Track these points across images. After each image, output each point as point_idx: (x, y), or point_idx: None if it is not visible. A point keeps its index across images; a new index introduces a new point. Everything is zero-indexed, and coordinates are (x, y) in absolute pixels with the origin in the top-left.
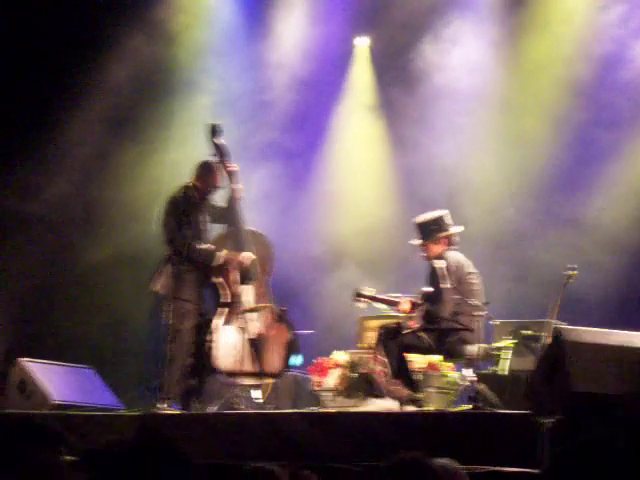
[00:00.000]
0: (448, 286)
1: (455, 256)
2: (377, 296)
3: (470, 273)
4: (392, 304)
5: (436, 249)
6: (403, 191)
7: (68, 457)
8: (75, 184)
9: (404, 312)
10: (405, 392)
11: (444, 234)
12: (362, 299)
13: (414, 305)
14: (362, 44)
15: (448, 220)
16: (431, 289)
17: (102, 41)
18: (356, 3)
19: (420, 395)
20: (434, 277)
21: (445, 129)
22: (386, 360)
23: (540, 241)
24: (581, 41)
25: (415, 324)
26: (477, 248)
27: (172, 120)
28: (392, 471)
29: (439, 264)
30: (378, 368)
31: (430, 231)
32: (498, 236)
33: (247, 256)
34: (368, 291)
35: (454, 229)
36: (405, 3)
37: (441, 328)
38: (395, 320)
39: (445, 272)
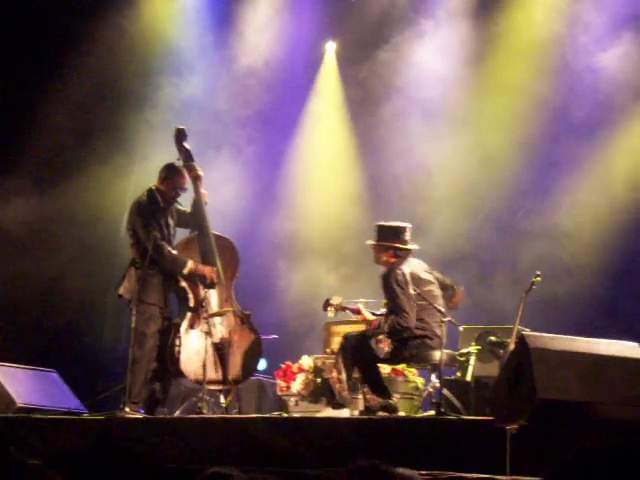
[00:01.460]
0: (411, 292)
1: (409, 264)
2: (345, 305)
3: (421, 279)
4: (356, 312)
5: (382, 256)
6: (368, 197)
7: (31, 461)
8: (37, 197)
9: (362, 320)
10: (377, 399)
11: (395, 244)
12: (330, 307)
13: (373, 323)
14: (329, 49)
15: (407, 235)
16: (389, 301)
17: (62, 53)
18: (324, 10)
19: (393, 401)
20: (388, 288)
21: (411, 137)
22: (342, 368)
23: (505, 248)
24: (546, 53)
25: (385, 344)
26: (443, 254)
27: (137, 133)
28: (350, 477)
29: (395, 274)
30: (334, 375)
31: (385, 236)
32: (464, 243)
33: (213, 272)
34: (336, 300)
35: (409, 246)
36: (372, 11)
37: (404, 337)
38: (361, 328)
39: (403, 279)
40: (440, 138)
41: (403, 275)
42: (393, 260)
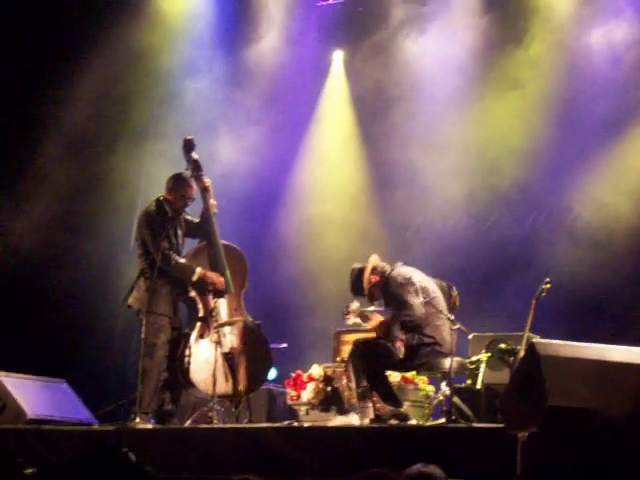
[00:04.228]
0: (421, 299)
1: (402, 273)
2: (362, 311)
3: (430, 288)
4: (365, 319)
5: (374, 289)
6: (376, 203)
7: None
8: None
9: (371, 328)
10: (388, 408)
11: (366, 279)
12: (349, 314)
13: (381, 323)
14: (337, 58)
15: (365, 271)
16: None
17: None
18: (331, 18)
19: (403, 409)
20: (388, 296)
21: (420, 143)
22: (352, 375)
23: (517, 253)
24: (560, 51)
25: (399, 342)
26: (453, 258)
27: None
28: None
29: (390, 282)
30: (344, 382)
31: (361, 289)
32: (474, 248)
33: (220, 280)
34: (354, 305)
35: (371, 261)
36: (379, 17)
37: (411, 344)
38: (372, 336)
39: (400, 278)
40: (450, 138)
41: (398, 275)
42: (377, 279)
